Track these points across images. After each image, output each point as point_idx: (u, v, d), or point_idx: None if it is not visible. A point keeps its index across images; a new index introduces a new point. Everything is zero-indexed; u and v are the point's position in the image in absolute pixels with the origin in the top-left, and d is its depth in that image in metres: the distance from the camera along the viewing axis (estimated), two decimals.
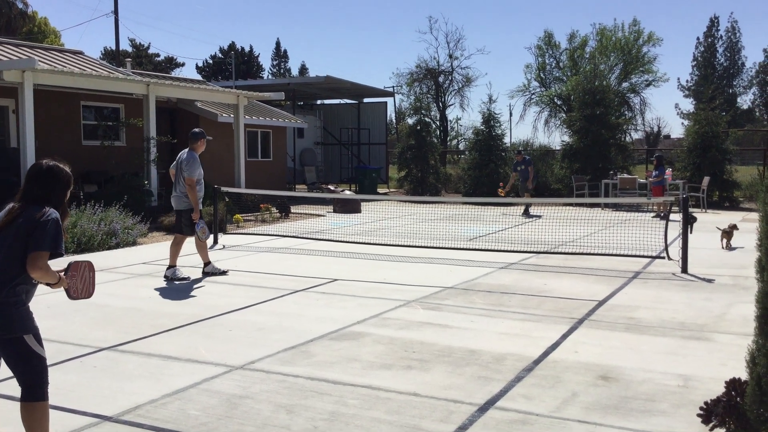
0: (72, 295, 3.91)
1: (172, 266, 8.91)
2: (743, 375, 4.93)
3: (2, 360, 3.65)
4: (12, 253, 3.47)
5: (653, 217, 16.51)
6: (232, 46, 68.25)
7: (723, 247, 11.45)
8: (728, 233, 11.54)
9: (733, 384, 3.87)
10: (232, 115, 19.93)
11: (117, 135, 17.97)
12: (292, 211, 17.72)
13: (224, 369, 5.18)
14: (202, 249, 9.14)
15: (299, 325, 6.47)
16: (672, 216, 11.15)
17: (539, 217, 16.69)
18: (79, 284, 3.95)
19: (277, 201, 17.04)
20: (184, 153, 9.12)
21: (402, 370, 5.16)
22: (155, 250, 11.51)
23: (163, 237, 13.08)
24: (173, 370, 5.18)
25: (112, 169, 15.99)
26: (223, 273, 9.08)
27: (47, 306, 7.24)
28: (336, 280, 8.77)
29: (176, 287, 8.35)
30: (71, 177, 3.89)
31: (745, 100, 68.24)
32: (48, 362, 5.25)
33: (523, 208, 17.90)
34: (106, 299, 7.59)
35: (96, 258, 10.46)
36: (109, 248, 11.40)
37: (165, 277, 8.86)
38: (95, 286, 4.04)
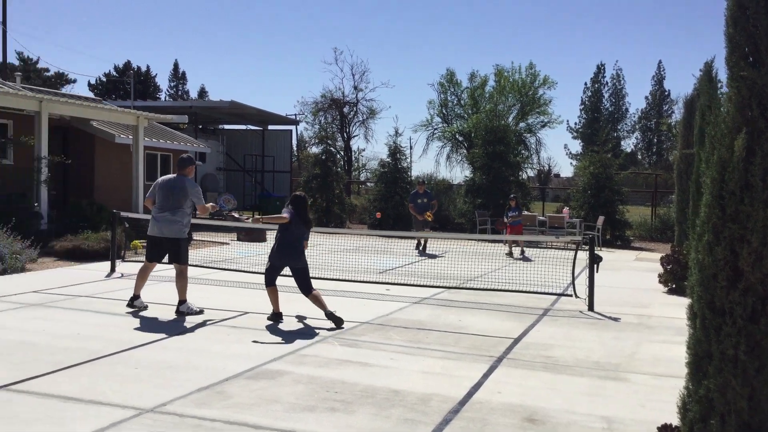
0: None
1: (137, 296, 8.33)
2: (661, 416, 5.02)
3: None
4: None
5: (507, 254, 16.50)
6: (128, 64, 66.00)
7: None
8: None
9: (665, 430, 3.90)
10: (130, 137, 19.12)
11: (4, 153, 16.81)
12: (194, 238, 17.08)
13: (133, 412, 4.79)
14: (183, 282, 8.34)
15: (211, 363, 6.11)
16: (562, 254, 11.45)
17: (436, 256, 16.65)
18: None
19: None
20: (174, 178, 8.35)
21: (326, 413, 4.93)
22: (46, 277, 10.73)
23: (55, 263, 12.24)
24: (74, 413, 4.73)
25: None
26: (200, 312, 8.32)
27: None
28: (247, 313, 8.43)
29: (72, 318, 7.75)
30: None
31: (628, 144, 72.48)
32: None
33: (417, 242, 16.96)
34: None
35: None
36: None
37: (131, 306, 8.29)
38: None
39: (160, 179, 8.55)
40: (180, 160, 8.58)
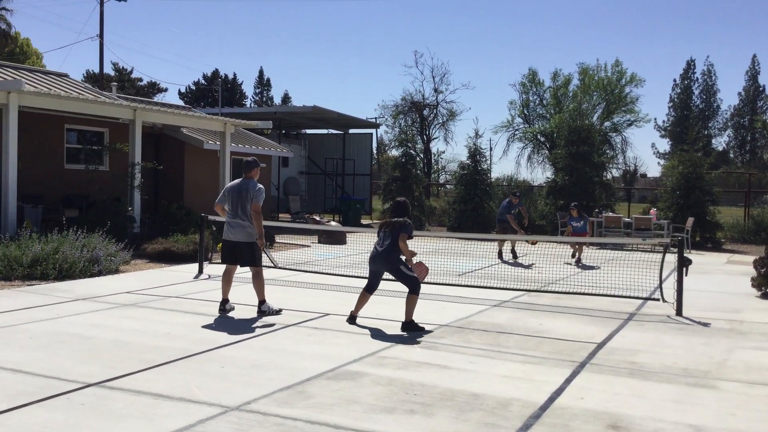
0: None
1: (226, 300, 8.61)
2: (754, 425, 4.82)
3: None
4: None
5: (568, 262, 15.01)
6: (216, 73, 68.17)
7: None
8: None
9: None
10: (218, 143, 19.76)
11: (101, 159, 17.70)
12: (277, 240, 17.49)
13: (219, 410, 4.95)
14: (260, 283, 8.59)
15: (294, 363, 6.25)
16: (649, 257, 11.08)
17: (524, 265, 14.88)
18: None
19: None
20: (240, 182, 8.54)
21: (405, 415, 4.96)
22: (139, 278, 11.23)
23: (146, 264, 12.79)
24: (165, 410, 4.93)
25: (95, 194, 15.71)
26: (278, 312, 8.57)
27: (30, 337, 6.97)
28: (328, 314, 8.57)
29: (162, 318, 8.08)
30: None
31: (720, 142, 69.50)
32: (33, 398, 5.03)
33: (514, 252, 15.47)
34: (91, 330, 7.32)
35: (78, 286, 10.18)
36: (91, 276, 11.08)
37: (222, 310, 8.53)
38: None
39: (228, 184, 8.77)
40: (245, 163, 8.68)
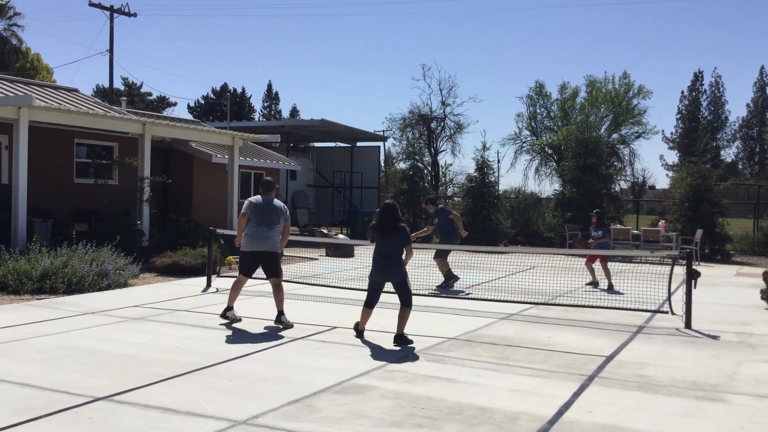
0: None
1: (231, 308, 8.79)
2: None
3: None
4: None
5: (588, 284, 13.20)
6: (225, 87, 68.55)
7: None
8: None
9: None
10: (226, 156, 19.85)
11: (110, 173, 17.80)
12: (284, 253, 17.51)
13: (227, 424, 4.96)
14: (281, 294, 8.71)
15: (301, 376, 6.26)
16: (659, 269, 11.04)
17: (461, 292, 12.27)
18: None
19: None
20: (270, 198, 8.76)
21: (412, 429, 4.95)
22: (147, 292, 11.27)
23: (155, 278, 12.84)
24: (173, 423, 4.95)
25: (104, 208, 15.78)
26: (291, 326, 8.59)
27: (39, 351, 7.00)
28: (335, 327, 8.57)
29: (171, 332, 8.11)
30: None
31: (728, 154, 69.26)
32: (42, 412, 5.05)
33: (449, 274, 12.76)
34: (99, 344, 7.35)
35: (87, 300, 10.22)
36: (100, 289, 11.12)
37: (224, 317, 8.76)
38: None
39: (254, 199, 8.84)
40: (267, 182, 8.95)
